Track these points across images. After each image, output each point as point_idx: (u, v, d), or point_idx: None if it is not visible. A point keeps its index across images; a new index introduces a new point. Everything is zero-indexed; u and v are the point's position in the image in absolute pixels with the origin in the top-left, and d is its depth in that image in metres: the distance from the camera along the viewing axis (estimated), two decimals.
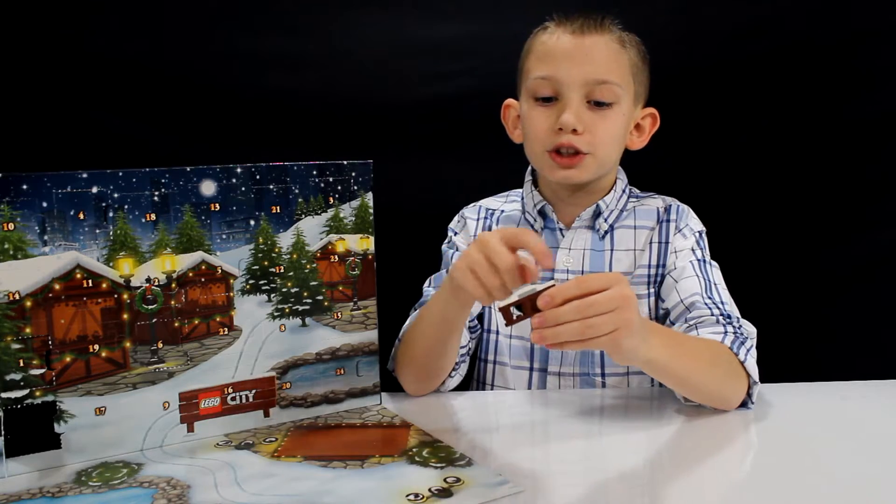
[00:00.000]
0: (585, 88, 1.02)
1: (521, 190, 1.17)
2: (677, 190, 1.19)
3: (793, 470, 0.78)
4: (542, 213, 1.12)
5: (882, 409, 0.96)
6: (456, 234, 1.19)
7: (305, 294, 0.93)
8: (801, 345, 1.48)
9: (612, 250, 1.10)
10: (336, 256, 0.94)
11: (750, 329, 0.99)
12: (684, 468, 0.82)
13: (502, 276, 0.80)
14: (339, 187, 0.93)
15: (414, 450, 0.83)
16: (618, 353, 0.81)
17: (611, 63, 1.03)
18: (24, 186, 0.76)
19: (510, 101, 1.14)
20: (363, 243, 0.96)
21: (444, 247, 1.20)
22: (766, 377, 0.98)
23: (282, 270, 0.91)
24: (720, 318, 0.98)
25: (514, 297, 0.78)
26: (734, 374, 0.93)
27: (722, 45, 1.46)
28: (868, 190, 1.48)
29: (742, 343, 0.94)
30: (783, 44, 1.45)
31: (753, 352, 0.95)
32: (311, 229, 0.92)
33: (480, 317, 1.15)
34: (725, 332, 0.95)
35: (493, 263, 0.81)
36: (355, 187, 0.94)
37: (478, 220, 1.18)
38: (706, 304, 1.00)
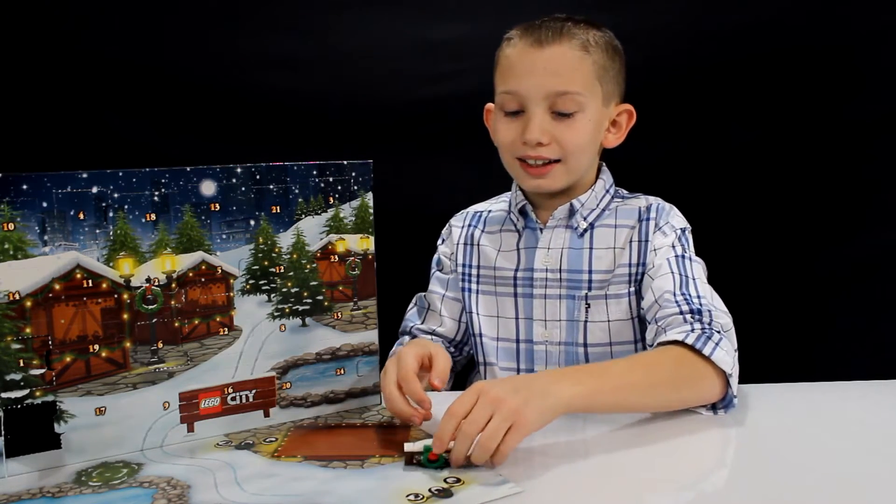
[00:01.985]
0: (547, 101, 1.02)
1: None
2: (675, 190, 1.19)
3: (791, 469, 0.78)
4: (522, 212, 1.13)
5: (882, 409, 0.96)
6: (443, 241, 1.21)
7: (305, 294, 0.93)
8: (800, 345, 1.49)
9: (591, 248, 1.09)
10: (336, 256, 0.94)
11: (723, 321, 0.95)
12: (683, 468, 0.82)
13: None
14: (339, 187, 0.93)
15: None
16: (530, 426, 0.77)
17: (571, 73, 1.02)
18: (24, 186, 0.76)
19: (490, 105, 1.13)
20: (363, 243, 0.96)
21: (434, 258, 1.21)
22: (764, 377, 0.98)
23: (282, 270, 0.91)
24: (688, 315, 0.94)
25: (418, 447, 0.78)
26: (695, 376, 0.89)
27: (722, 45, 1.46)
28: (866, 190, 1.48)
29: (709, 338, 0.90)
30: (783, 44, 1.45)
31: (725, 343, 0.90)
32: (311, 229, 0.92)
33: (469, 319, 1.16)
34: (692, 330, 0.91)
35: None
36: (355, 187, 0.94)
37: (462, 227, 1.19)
38: (676, 301, 0.97)
